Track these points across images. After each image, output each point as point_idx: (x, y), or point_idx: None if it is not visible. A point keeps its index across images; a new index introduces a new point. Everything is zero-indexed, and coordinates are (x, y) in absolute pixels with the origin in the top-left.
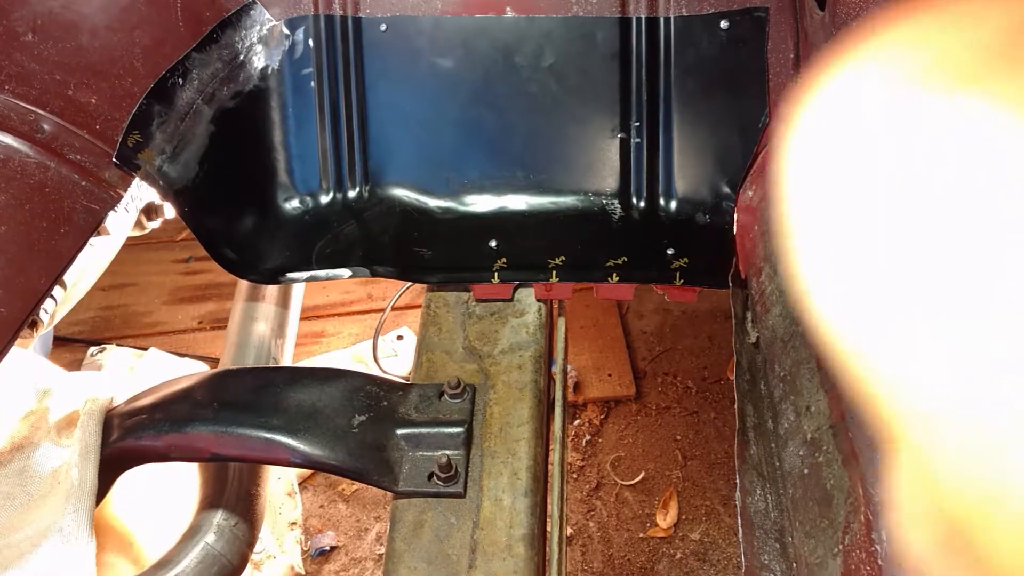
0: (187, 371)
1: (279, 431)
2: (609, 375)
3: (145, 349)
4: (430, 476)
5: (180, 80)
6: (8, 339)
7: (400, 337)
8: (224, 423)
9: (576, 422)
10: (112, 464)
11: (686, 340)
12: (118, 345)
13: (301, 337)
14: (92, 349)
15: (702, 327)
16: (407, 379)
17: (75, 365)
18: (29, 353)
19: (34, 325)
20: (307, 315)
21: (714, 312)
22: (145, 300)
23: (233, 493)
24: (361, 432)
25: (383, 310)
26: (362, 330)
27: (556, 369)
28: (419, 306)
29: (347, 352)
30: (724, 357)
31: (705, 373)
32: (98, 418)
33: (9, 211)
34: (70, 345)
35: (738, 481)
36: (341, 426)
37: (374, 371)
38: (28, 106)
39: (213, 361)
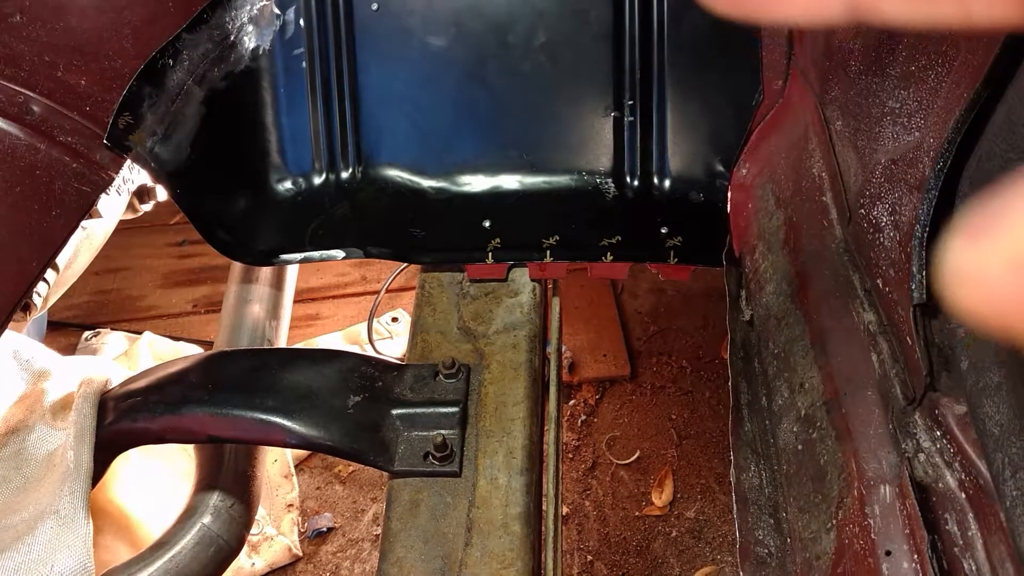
0: (182, 354)
1: (275, 412)
2: (604, 355)
3: (140, 333)
4: (425, 456)
5: (170, 61)
6: (3, 320)
7: (395, 319)
8: (219, 404)
9: (571, 402)
10: (108, 446)
11: (680, 320)
12: (113, 329)
13: (296, 320)
14: (87, 333)
15: (696, 307)
16: (402, 360)
17: (70, 349)
18: (23, 337)
19: (27, 308)
20: (302, 298)
21: (708, 292)
22: (139, 284)
23: (229, 474)
24: (356, 412)
25: (378, 292)
26: (357, 312)
27: (551, 349)
28: (414, 288)
29: (342, 334)
30: (718, 336)
31: (700, 353)
32: (93, 401)
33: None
34: (64, 329)
35: (732, 458)
36: (336, 407)
37: (369, 353)
38: (17, 88)
39: (208, 344)
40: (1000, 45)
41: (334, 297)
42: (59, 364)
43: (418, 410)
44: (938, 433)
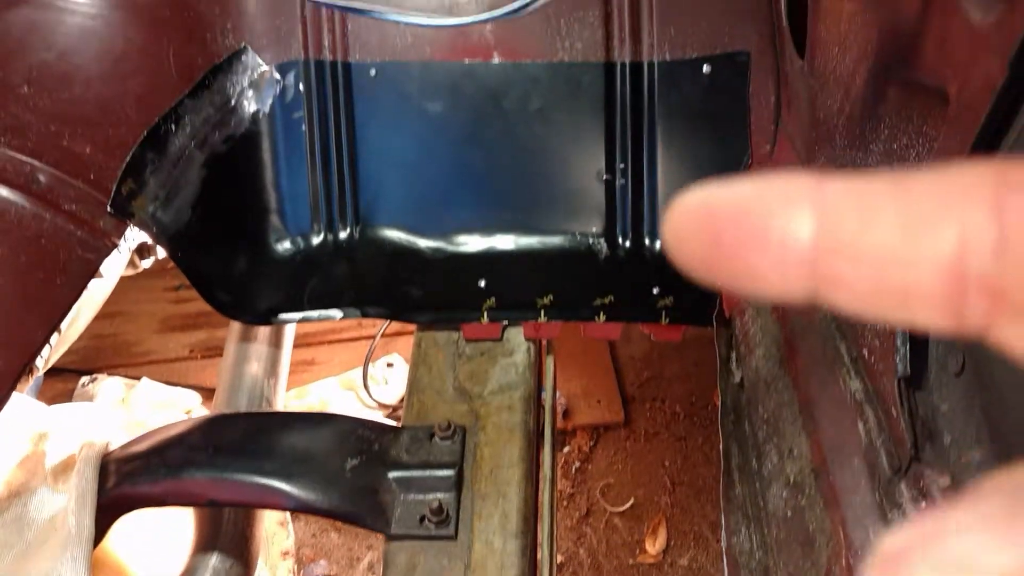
0: (179, 401)
1: (273, 476)
2: (598, 401)
3: (137, 379)
4: (422, 519)
5: (173, 127)
6: (5, 392)
7: (390, 364)
8: (220, 468)
9: (566, 449)
10: (109, 510)
11: (673, 365)
12: (109, 375)
13: (292, 365)
14: (83, 379)
15: (689, 352)
16: (398, 407)
17: (66, 395)
18: (23, 396)
19: (30, 372)
20: (297, 343)
21: (700, 338)
22: (136, 329)
23: (228, 535)
24: (354, 476)
25: (373, 337)
26: (352, 357)
27: (544, 401)
28: (410, 332)
29: (337, 380)
30: (711, 383)
31: (693, 399)
32: (94, 464)
33: (5, 264)
34: (61, 375)
35: (723, 521)
36: (334, 470)
37: (365, 399)
38: (24, 157)
39: (205, 390)
40: (976, 135)
41: (330, 342)
42: (59, 423)
43: (414, 473)
44: (923, 504)
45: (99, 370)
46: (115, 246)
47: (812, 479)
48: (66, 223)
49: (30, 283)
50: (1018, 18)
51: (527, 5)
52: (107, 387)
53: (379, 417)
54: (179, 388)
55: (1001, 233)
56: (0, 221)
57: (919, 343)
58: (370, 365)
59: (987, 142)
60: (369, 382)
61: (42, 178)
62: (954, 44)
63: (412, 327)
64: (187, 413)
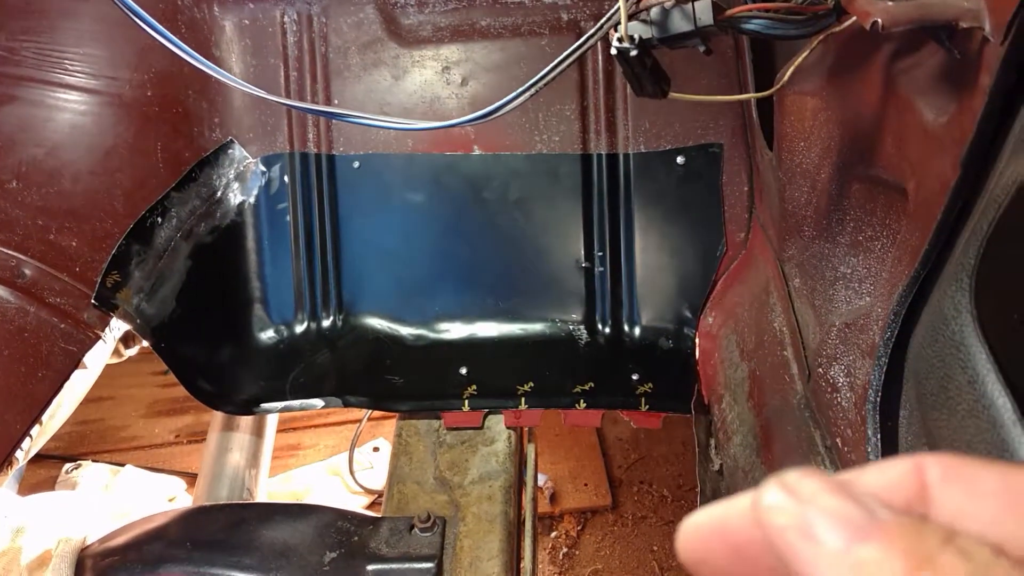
0: (163, 488)
1: (252, 571)
2: (585, 484)
3: (122, 465)
4: None
5: (159, 219)
6: None
7: (376, 449)
8: (197, 563)
9: (553, 534)
10: None
11: (660, 447)
12: (94, 461)
13: (277, 450)
14: (67, 466)
15: (675, 433)
16: (381, 492)
17: (49, 482)
18: (2, 490)
19: (9, 464)
20: (282, 427)
21: (687, 418)
22: (122, 413)
23: None
24: (332, 570)
25: (359, 421)
26: (338, 441)
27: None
28: (395, 416)
29: (323, 465)
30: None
31: (680, 481)
32: (70, 560)
33: None
34: (44, 462)
35: None
36: (313, 563)
37: (350, 484)
38: (10, 252)
39: (190, 476)
40: (933, 231)
41: (315, 426)
42: (36, 517)
43: (393, 566)
44: None
45: (84, 456)
46: (98, 338)
47: None
48: (50, 316)
49: (11, 377)
50: (968, 120)
51: (499, 108)
52: (91, 474)
53: (364, 503)
54: (163, 475)
55: None
56: None
57: (891, 432)
58: (356, 450)
59: (944, 237)
60: (355, 467)
61: (27, 272)
62: (910, 144)
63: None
64: (171, 500)
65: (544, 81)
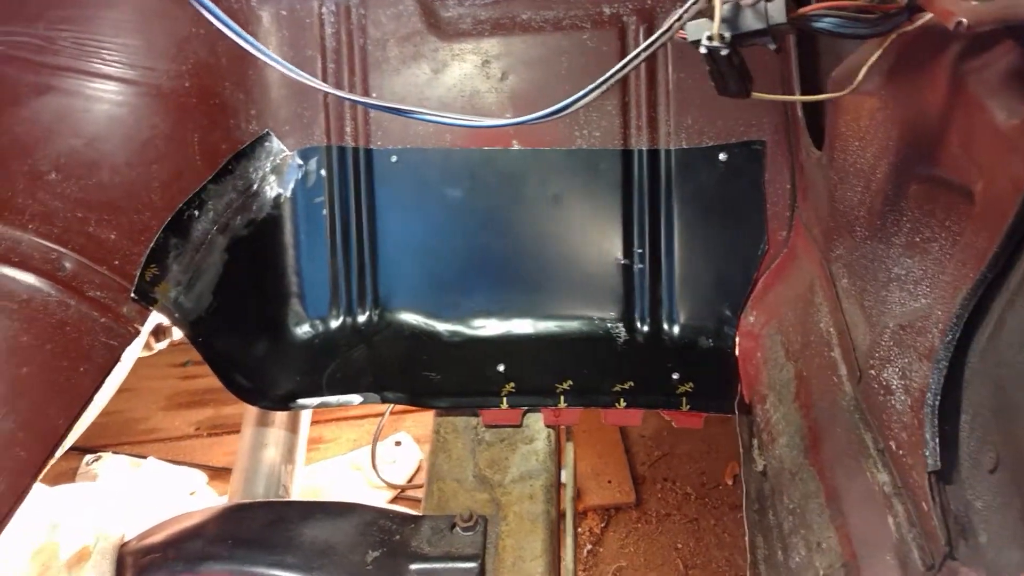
0: (185, 480)
1: (295, 569)
2: (609, 481)
3: (142, 457)
4: None
5: (196, 212)
6: (29, 482)
7: (398, 443)
8: (239, 561)
9: (577, 531)
10: None
11: (684, 445)
12: (114, 453)
13: None
14: (88, 457)
15: (699, 432)
16: (406, 486)
17: (70, 474)
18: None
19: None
20: None
21: (710, 416)
22: (142, 406)
23: None
24: (375, 568)
25: (380, 415)
26: (360, 435)
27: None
28: (417, 410)
29: (345, 459)
30: (721, 462)
31: (704, 479)
32: (111, 557)
33: (31, 352)
34: (65, 453)
35: None
36: (355, 562)
37: (372, 478)
38: (51, 244)
39: (210, 469)
40: (1003, 234)
41: (337, 420)
42: (69, 511)
43: (436, 565)
44: None
45: (103, 448)
46: (138, 333)
47: (843, 574)
48: (90, 310)
49: (55, 372)
50: None
51: (572, 104)
52: (111, 466)
53: (388, 497)
54: (185, 467)
55: None
56: (26, 309)
57: (949, 436)
58: (378, 444)
59: (1017, 240)
60: (377, 461)
61: (68, 265)
62: (979, 145)
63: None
64: (192, 494)
65: (616, 77)
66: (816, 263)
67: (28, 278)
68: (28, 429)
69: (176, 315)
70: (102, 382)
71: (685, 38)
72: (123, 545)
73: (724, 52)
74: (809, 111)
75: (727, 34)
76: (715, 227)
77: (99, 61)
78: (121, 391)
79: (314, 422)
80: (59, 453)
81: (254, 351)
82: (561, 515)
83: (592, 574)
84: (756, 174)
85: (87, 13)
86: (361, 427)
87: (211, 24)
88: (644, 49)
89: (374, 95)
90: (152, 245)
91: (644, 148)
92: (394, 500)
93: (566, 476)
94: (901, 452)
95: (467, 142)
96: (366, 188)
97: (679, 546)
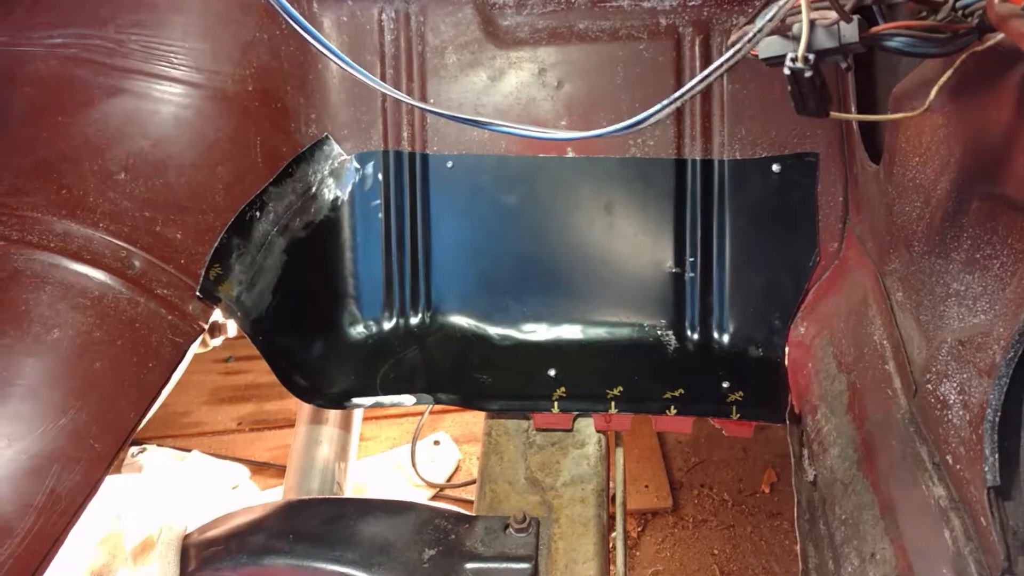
0: (228, 475)
1: (354, 565)
2: (646, 486)
3: (186, 450)
4: None
5: (258, 213)
6: (101, 474)
7: (437, 443)
8: (301, 556)
9: (612, 534)
10: None
11: (721, 451)
12: (158, 445)
13: None
14: (132, 449)
15: (736, 438)
16: (445, 485)
17: (115, 466)
18: None
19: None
20: None
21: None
22: (185, 400)
23: None
24: (432, 567)
25: (420, 414)
26: (399, 434)
27: (616, 497)
28: (455, 410)
29: (386, 457)
30: (758, 469)
31: (740, 486)
32: (176, 547)
33: (103, 347)
34: None
35: None
36: (412, 560)
37: (412, 477)
38: (120, 243)
39: (253, 464)
40: None
41: (376, 418)
42: (132, 499)
43: (491, 565)
44: None
45: (148, 440)
46: (202, 330)
47: None
48: (158, 308)
49: (125, 367)
50: None
51: (650, 117)
52: (155, 458)
53: (427, 496)
54: (228, 461)
55: None
56: (98, 306)
57: (1009, 452)
58: (417, 443)
59: None
60: (416, 460)
61: (137, 263)
62: None
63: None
64: (234, 488)
65: (691, 93)
66: (869, 276)
67: (100, 275)
68: (100, 422)
69: (238, 313)
70: (169, 377)
71: (757, 55)
72: (186, 537)
73: (808, 74)
74: (865, 125)
75: (811, 56)
76: (767, 238)
77: (167, 64)
78: None
79: None
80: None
81: (311, 350)
82: (611, 519)
83: None
84: (809, 186)
85: (156, 17)
86: (400, 426)
87: (274, 29)
88: (720, 66)
89: (431, 101)
90: (216, 245)
91: (698, 158)
92: (434, 498)
93: (616, 481)
94: (958, 467)
95: (522, 149)
96: (421, 193)
97: (715, 552)
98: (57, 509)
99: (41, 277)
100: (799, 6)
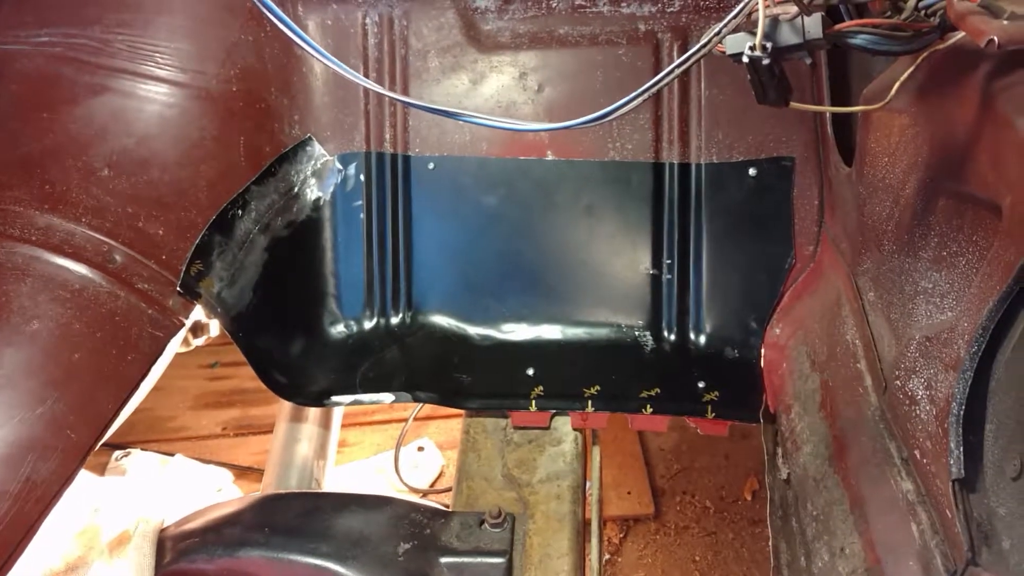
0: (212, 478)
1: (329, 558)
2: (628, 492)
3: (170, 455)
4: None
5: (240, 211)
6: (77, 464)
7: (421, 448)
8: (275, 548)
9: (603, 531)
10: None
11: (703, 458)
12: (142, 449)
13: None
14: (116, 453)
15: (718, 445)
16: (428, 491)
17: (99, 469)
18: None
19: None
20: None
21: (730, 431)
22: (170, 404)
23: None
24: (407, 560)
25: (404, 420)
26: (383, 440)
27: (591, 495)
28: (440, 416)
29: (370, 463)
30: (741, 476)
31: (722, 493)
32: (152, 540)
33: (82, 339)
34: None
35: None
36: (387, 554)
37: (395, 483)
38: (102, 237)
39: (238, 468)
40: None
41: (360, 424)
42: (110, 495)
43: (466, 559)
44: None
45: (132, 444)
46: (182, 325)
47: None
48: (138, 301)
49: (103, 359)
50: None
51: (615, 111)
52: (140, 462)
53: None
54: (212, 465)
55: None
56: (78, 298)
57: (973, 445)
58: (401, 449)
59: None
60: (400, 466)
61: (118, 257)
62: (1008, 161)
63: (443, 411)
64: (218, 491)
65: (655, 87)
66: (843, 277)
67: (81, 269)
68: (78, 412)
69: (218, 309)
70: (148, 371)
71: (724, 52)
72: (162, 530)
73: (766, 62)
74: (838, 128)
75: (768, 44)
76: (743, 240)
77: (152, 64)
78: (151, 389)
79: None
80: (102, 440)
81: (291, 348)
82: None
83: None
84: (785, 189)
85: (142, 18)
86: (385, 432)
87: (259, 31)
88: (684, 61)
89: None
90: (197, 242)
91: (675, 161)
92: None
93: (592, 478)
94: (925, 461)
95: (503, 151)
96: (403, 194)
97: (697, 559)
98: (32, 497)
99: (22, 269)
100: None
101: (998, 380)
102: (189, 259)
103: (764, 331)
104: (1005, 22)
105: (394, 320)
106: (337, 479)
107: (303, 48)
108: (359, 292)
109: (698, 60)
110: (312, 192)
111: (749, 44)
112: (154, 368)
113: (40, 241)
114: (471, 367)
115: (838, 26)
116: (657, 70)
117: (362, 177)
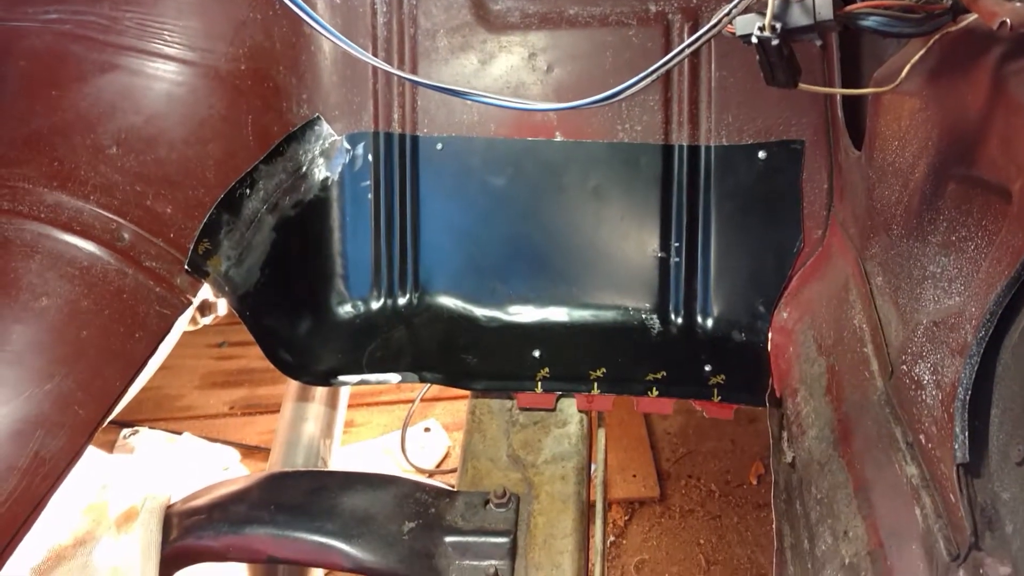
0: (219, 457)
1: (334, 536)
2: (633, 475)
3: (177, 433)
4: None
5: (247, 190)
6: (85, 440)
7: (427, 429)
8: (281, 526)
9: (607, 512)
10: (171, 562)
11: (709, 442)
12: (150, 428)
13: None
14: (124, 431)
15: (724, 430)
16: (435, 472)
17: (107, 447)
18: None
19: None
20: None
21: (736, 415)
22: (178, 383)
23: None
24: (411, 539)
25: (411, 401)
26: (390, 420)
27: (595, 477)
28: (447, 398)
29: (376, 443)
30: (746, 461)
31: (728, 477)
32: (159, 516)
33: (90, 316)
34: (104, 427)
35: None
36: (392, 532)
37: (402, 463)
38: (110, 215)
39: (244, 447)
40: None
41: (368, 404)
42: (119, 472)
43: (470, 539)
44: None
45: (140, 423)
46: (190, 303)
47: (868, 562)
48: (146, 279)
49: (111, 336)
50: None
51: (624, 91)
52: (148, 440)
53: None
54: (219, 444)
55: None
56: (87, 275)
57: (978, 431)
58: (407, 429)
59: None
60: (407, 446)
61: (126, 236)
62: (1018, 145)
63: (450, 392)
64: (225, 469)
65: (664, 68)
66: (851, 261)
67: (89, 246)
68: (86, 389)
69: (226, 288)
70: (155, 348)
71: (734, 33)
72: (169, 507)
73: (775, 42)
74: (848, 112)
75: (778, 25)
76: (752, 224)
77: (161, 42)
78: (159, 368)
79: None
80: (110, 417)
81: (298, 327)
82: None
83: (614, 565)
84: (794, 173)
85: None
86: (392, 412)
87: (267, 10)
88: (693, 42)
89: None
90: (205, 220)
91: (685, 144)
92: None
93: (597, 460)
94: (930, 445)
95: (511, 132)
96: (411, 174)
97: (701, 542)
98: (41, 472)
99: (31, 246)
100: None
101: (1004, 365)
102: (197, 238)
103: (771, 315)
104: (1018, 4)
105: (401, 301)
106: (345, 459)
107: (312, 27)
108: (366, 272)
109: (708, 41)
110: (320, 172)
111: (759, 25)
112: (162, 346)
113: (49, 218)
114: (477, 348)
115: (849, 7)
116: (667, 51)
117: (370, 157)
